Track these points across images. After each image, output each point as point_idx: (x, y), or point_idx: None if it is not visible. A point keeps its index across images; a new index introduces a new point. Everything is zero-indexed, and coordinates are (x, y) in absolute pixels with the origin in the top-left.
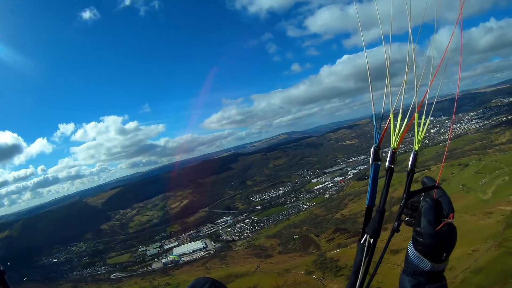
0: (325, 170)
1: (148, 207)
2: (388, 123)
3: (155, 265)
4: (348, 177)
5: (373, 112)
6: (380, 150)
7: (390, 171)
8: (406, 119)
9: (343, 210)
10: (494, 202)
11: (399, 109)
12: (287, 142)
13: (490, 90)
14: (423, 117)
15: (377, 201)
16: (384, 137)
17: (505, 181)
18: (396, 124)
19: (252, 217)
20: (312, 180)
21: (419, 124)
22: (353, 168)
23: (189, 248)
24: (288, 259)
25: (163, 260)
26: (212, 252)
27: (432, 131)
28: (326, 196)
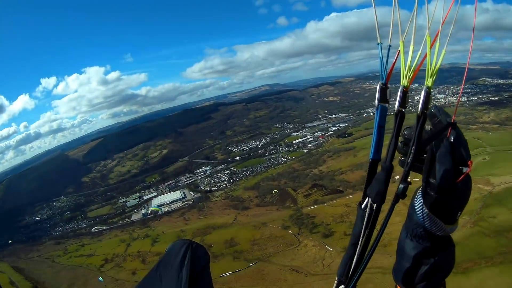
0: (305, 125)
1: (128, 157)
2: (398, 54)
3: (135, 217)
4: (328, 133)
5: (378, 41)
6: (388, 89)
7: (400, 116)
8: (421, 49)
9: (321, 166)
10: (473, 180)
11: (411, 37)
12: (269, 94)
13: (479, 68)
14: (437, 45)
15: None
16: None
17: (486, 161)
18: (408, 56)
19: (231, 168)
20: (292, 134)
21: (432, 54)
22: (334, 125)
23: (168, 198)
24: (265, 212)
25: (143, 211)
26: (190, 202)
27: (416, 97)
28: (305, 151)
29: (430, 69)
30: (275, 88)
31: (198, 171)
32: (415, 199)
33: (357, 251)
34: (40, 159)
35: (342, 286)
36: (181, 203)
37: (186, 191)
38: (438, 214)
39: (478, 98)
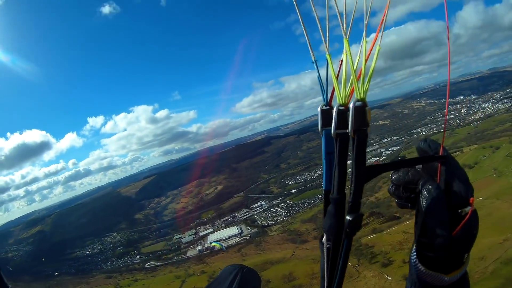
0: None
1: (183, 194)
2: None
3: (190, 253)
4: (382, 158)
5: (313, 59)
6: (333, 109)
7: (340, 140)
8: (358, 58)
9: (377, 193)
10: None
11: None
12: None
13: None
14: (365, 43)
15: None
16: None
17: None
18: (341, 68)
19: (287, 201)
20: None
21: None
22: (386, 149)
23: (224, 234)
24: None
25: (199, 247)
26: (247, 237)
27: (462, 110)
28: None
29: (360, 77)
30: None
31: (254, 206)
32: (411, 254)
33: (325, 285)
34: (90, 195)
35: None
36: (238, 238)
37: (243, 226)
38: (436, 269)
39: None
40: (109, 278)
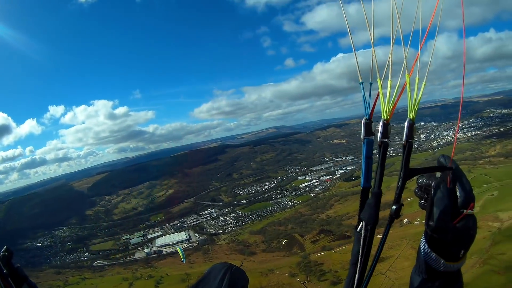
0: (312, 168)
1: (134, 195)
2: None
3: (138, 255)
4: (335, 176)
5: (360, 81)
6: (373, 123)
7: (383, 146)
8: (398, 84)
9: (328, 210)
10: (481, 217)
11: (389, 73)
12: (276, 137)
13: (483, 100)
14: (417, 78)
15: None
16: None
17: (494, 196)
18: (386, 92)
19: (237, 211)
20: (299, 177)
21: (413, 89)
22: (341, 168)
23: (172, 239)
24: (272, 258)
25: (146, 250)
26: (195, 244)
27: (422, 136)
28: (312, 195)
29: (411, 102)
30: (282, 131)
31: (203, 213)
32: (421, 239)
33: (357, 270)
34: (44, 185)
35: None
36: (185, 244)
37: (191, 232)
38: (438, 251)
39: (483, 131)
40: (58, 273)
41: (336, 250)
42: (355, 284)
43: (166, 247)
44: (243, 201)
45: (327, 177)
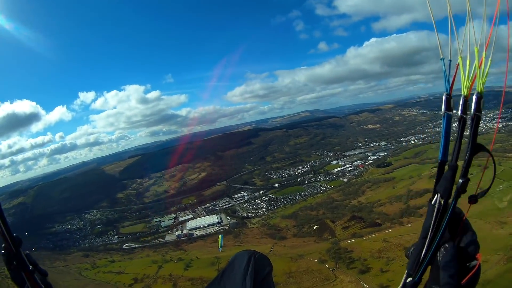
0: (345, 153)
1: (166, 178)
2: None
3: (169, 237)
4: (368, 162)
5: (441, 56)
6: (452, 99)
7: (462, 121)
8: (476, 61)
9: (360, 197)
10: (509, 212)
11: (466, 51)
12: (309, 121)
13: None
14: (484, 55)
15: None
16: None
17: None
18: (465, 68)
19: (269, 195)
20: (332, 162)
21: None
22: (373, 154)
23: (203, 221)
24: (302, 244)
25: (177, 233)
26: (226, 227)
27: (454, 124)
28: (345, 180)
29: (480, 75)
30: (316, 114)
31: (236, 196)
32: None
33: (426, 243)
34: (75, 169)
35: (410, 278)
36: (217, 227)
37: (223, 215)
38: None
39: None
40: (86, 256)
41: (366, 237)
42: (421, 257)
43: (197, 230)
44: (276, 185)
45: (360, 162)
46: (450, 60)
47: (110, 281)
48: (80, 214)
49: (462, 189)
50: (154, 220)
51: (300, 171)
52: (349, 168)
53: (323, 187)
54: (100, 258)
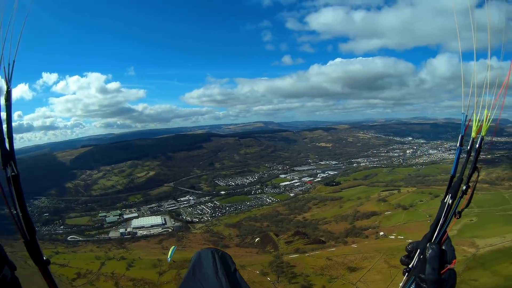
0: (294, 168)
1: (115, 172)
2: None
3: (112, 234)
4: (317, 179)
5: (462, 111)
6: (464, 137)
7: (468, 153)
8: (484, 121)
9: (306, 213)
10: (458, 241)
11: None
12: (262, 132)
13: None
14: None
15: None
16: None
17: (472, 222)
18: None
19: (215, 201)
20: (280, 175)
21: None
22: (323, 172)
23: (148, 221)
24: (244, 254)
25: (121, 230)
26: (169, 230)
27: (408, 151)
28: (291, 195)
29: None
30: (270, 126)
31: (181, 199)
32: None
33: (435, 232)
34: (28, 152)
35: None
36: (160, 229)
37: (167, 217)
38: None
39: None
40: None
41: (310, 254)
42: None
43: (141, 229)
44: (222, 192)
45: (309, 179)
46: (466, 115)
47: (54, 273)
48: (29, 199)
49: (465, 191)
50: (100, 215)
51: (247, 181)
52: (297, 183)
53: (269, 199)
54: (45, 247)
